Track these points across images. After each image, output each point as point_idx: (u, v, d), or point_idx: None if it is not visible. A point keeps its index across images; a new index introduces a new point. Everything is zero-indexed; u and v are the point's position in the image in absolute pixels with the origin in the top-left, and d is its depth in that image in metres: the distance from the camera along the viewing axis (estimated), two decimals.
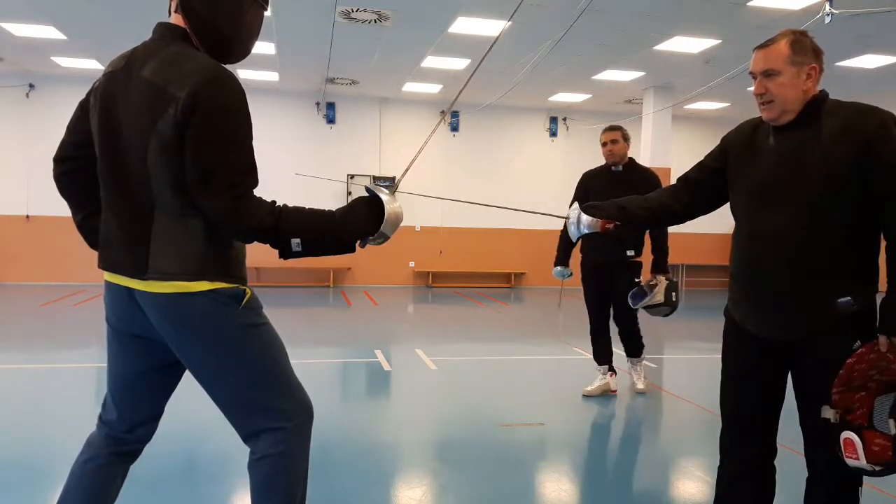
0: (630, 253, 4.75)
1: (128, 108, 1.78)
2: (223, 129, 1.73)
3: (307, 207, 1.86)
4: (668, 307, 4.47)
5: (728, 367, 2.34)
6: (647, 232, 4.77)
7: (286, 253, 1.84)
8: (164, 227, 1.79)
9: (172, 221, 1.79)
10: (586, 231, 2.50)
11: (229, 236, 1.84)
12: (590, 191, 4.87)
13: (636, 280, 4.68)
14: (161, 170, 1.75)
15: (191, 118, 1.70)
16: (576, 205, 2.53)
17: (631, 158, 4.92)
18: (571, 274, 5.01)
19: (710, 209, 2.45)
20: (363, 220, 1.90)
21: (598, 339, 4.99)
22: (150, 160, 1.74)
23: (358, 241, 1.92)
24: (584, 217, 2.47)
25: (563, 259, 5.00)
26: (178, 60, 1.77)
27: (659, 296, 4.41)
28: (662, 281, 4.47)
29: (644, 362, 5.17)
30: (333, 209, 1.91)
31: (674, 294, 4.44)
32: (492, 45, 2.87)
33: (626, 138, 4.84)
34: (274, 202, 1.81)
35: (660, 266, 4.69)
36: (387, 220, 1.90)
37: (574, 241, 2.84)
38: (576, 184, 5.12)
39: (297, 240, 1.81)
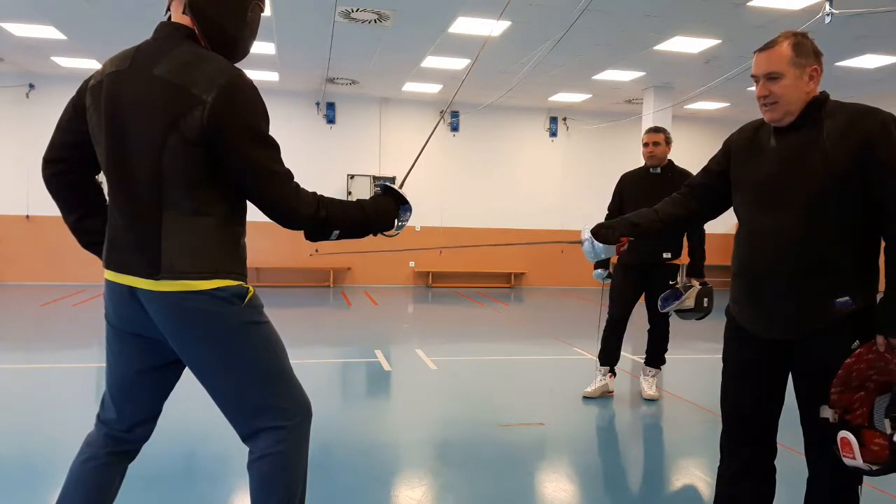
0: (667, 255, 4.68)
1: (138, 107, 1.78)
2: (260, 130, 1.82)
3: (337, 199, 1.97)
4: (698, 312, 4.38)
5: (729, 367, 2.34)
6: (685, 234, 4.71)
7: (320, 239, 1.96)
8: (174, 227, 1.79)
9: (183, 220, 1.79)
10: (602, 256, 2.49)
11: (290, 227, 1.91)
12: (625, 193, 4.86)
13: (671, 283, 4.59)
14: (178, 169, 1.76)
15: (224, 123, 1.74)
16: (587, 231, 2.51)
17: (670, 160, 4.84)
18: (611, 276, 4.96)
19: (719, 212, 2.46)
20: (391, 215, 2.06)
21: (609, 338, 4.92)
22: (165, 159, 1.75)
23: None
24: (598, 244, 2.46)
25: (602, 261, 4.97)
26: (195, 61, 1.78)
27: (689, 301, 4.33)
28: (696, 285, 4.39)
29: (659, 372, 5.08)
30: (356, 200, 2.04)
31: (706, 300, 4.35)
32: (484, 45, 2.89)
33: (668, 141, 4.77)
34: (314, 192, 1.92)
35: (695, 270, 4.62)
36: (409, 216, 2.10)
37: (592, 262, 2.83)
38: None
39: (337, 231, 1.96)
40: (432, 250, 12.66)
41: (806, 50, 2.08)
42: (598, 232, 2.47)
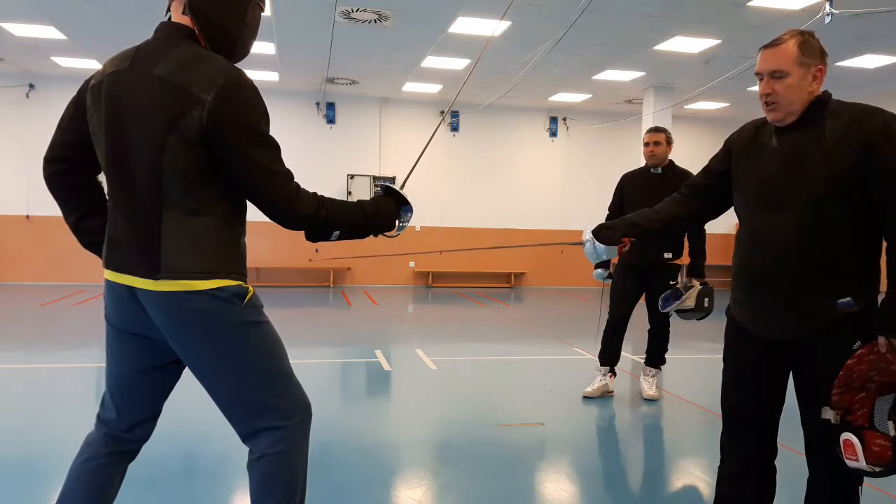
0: (667, 255, 4.66)
1: (139, 107, 1.78)
2: (260, 130, 1.81)
3: (338, 199, 1.97)
4: (698, 312, 4.37)
5: (729, 367, 2.34)
6: (686, 234, 4.70)
7: (320, 239, 1.95)
8: (174, 227, 1.79)
9: (183, 220, 1.79)
10: (604, 257, 2.48)
11: (290, 227, 1.91)
12: (626, 193, 4.85)
13: (671, 283, 4.58)
14: (178, 169, 1.76)
15: (223, 123, 1.74)
16: (588, 232, 2.49)
17: (670, 160, 4.83)
18: (612, 276, 4.94)
19: (720, 212, 2.45)
20: (391, 216, 2.06)
21: (610, 338, 4.91)
22: (165, 159, 1.75)
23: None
24: (599, 245, 2.45)
25: (603, 261, 4.95)
26: (195, 61, 1.78)
27: (690, 301, 4.32)
28: (696, 285, 4.38)
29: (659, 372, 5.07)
30: (357, 201, 2.03)
31: (706, 300, 4.34)
32: (486, 46, 2.89)
33: (668, 141, 4.76)
34: (315, 193, 1.92)
35: (695, 270, 4.61)
36: (410, 217, 2.10)
37: (594, 263, 2.80)
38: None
39: (338, 232, 1.95)
40: (432, 248, 12.65)
41: (812, 49, 2.07)
42: (599, 233, 2.46)
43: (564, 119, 13.49)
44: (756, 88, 2.15)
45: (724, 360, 2.36)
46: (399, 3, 7.23)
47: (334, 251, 11.95)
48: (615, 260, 4.92)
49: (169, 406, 2.11)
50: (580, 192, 13.00)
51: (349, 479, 3.32)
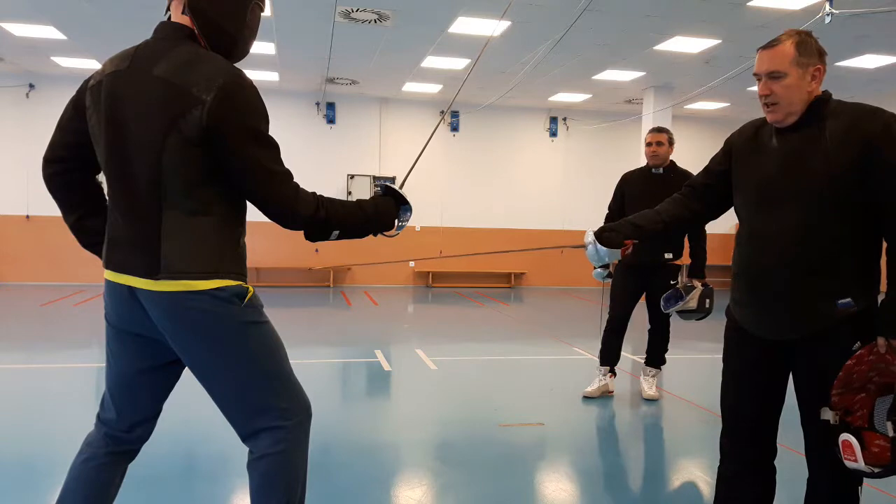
0: (668, 255, 4.66)
1: (138, 107, 1.78)
2: (260, 130, 1.81)
3: (337, 199, 1.97)
4: (700, 313, 4.38)
5: (729, 367, 2.34)
6: (686, 235, 4.69)
7: (319, 239, 1.96)
8: (174, 227, 1.79)
9: (183, 220, 1.79)
10: (607, 260, 2.47)
11: (289, 227, 1.91)
12: (627, 193, 4.85)
13: (672, 283, 4.58)
14: (178, 169, 1.76)
15: (223, 123, 1.74)
16: (590, 234, 2.48)
17: (672, 161, 4.82)
18: (612, 275, 4.92)
19: (721, 212, 2.45)
20: (391, 216, 2.06)
21: (610, 338, 4.91)
22: (165, 159, 1.75)
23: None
24: (602, 247, 2.45)
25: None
26: (195, 61, 1.78)
27: (692, 302, 4.32)
28: (698, 286, 4.38)
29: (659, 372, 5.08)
30: (356, 200, 2.03)
31: (708, 301, 4.35)
32: (486, 46, 2.89)
33: (671, 141, 4.76)
34: (314, 193, 1.92)
35: (696, 271, 4.61)
36: (409, 217, 2.10)
37: (597, 266, 2.77)
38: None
39: (337, 232, 1.96)
40: (432, 248, 12.65)
41: (810, 49, 2.06)
42: (601, 235, 2.46)
43: (564, 119, 13.49)
44: (756, 88, 2.15)
45: (724, 360, 2.36)
46: (399, 3, 7.23)
47: (334, 253, 11.96)
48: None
49: (169, 406, 2.11)
50: (580, 193, 13.00)
51: (349, 480, 3.32)
